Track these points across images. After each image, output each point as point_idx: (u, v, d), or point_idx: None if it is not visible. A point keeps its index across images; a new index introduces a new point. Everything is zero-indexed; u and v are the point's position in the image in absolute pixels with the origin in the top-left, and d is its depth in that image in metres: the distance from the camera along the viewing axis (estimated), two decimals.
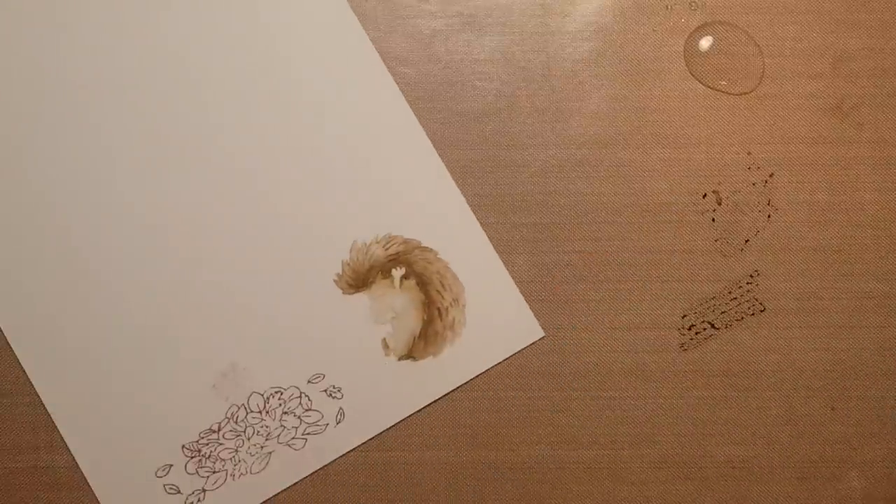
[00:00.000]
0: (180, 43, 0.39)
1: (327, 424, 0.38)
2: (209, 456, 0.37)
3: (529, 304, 0.39)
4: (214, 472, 0.37)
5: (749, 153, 0.40)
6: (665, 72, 0.40)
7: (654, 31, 0.40)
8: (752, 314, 0.39)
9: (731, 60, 0.40)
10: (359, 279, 0.38)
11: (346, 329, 0.38)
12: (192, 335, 0.38)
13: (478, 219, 0.39)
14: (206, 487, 0.37)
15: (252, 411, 0.37)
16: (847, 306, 0.39)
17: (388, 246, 0.39)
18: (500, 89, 0.40)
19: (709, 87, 0.40)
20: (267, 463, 0.37)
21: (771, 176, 0.40)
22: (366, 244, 0.39)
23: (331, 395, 0.38)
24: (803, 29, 0.40)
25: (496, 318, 0.38)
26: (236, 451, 0.37)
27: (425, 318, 0.38)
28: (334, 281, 0.38)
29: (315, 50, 0.39)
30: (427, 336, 0.38)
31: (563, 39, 0.40)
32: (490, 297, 0.38)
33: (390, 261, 0.39)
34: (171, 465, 0.37)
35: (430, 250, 0.39)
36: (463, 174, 0.39)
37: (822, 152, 0.40)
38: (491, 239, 0.39)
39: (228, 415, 0.37)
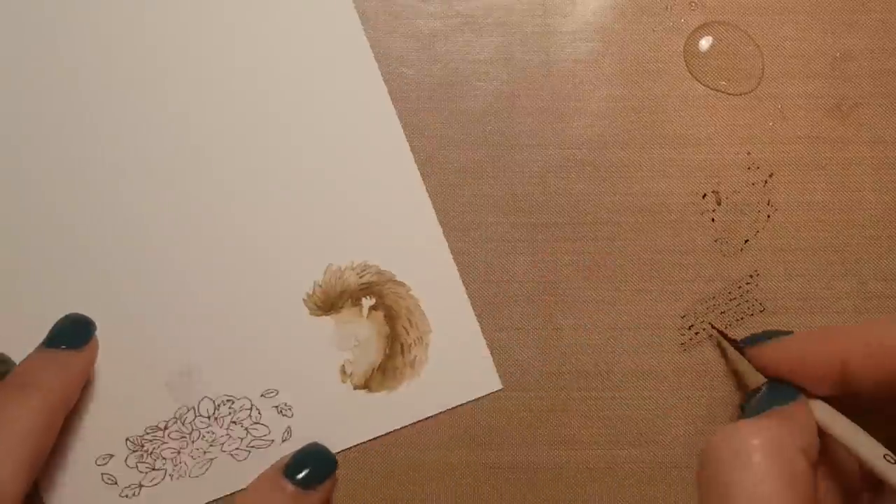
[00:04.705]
0: (177, 45, 0.39)
1: (273, 440, 0.37)
2: (151, 452, 0.37)
3: (530, 304, 0.39)
4: (154, 470, 0.37)
5: (749, 153, 0.40)
6: (665, 72, 0.40)
7: (653, 31, 0.40)
8: (752, 314, 0.39)
9: (731, 60, 0.40)
10: (328, 302, 0.38)
11: (308, 350, 0.38)
12: (153, 331, 0.37)
13: (477, 219, 0.39)
14: (143, 483, 0.37)
15: (201, 415, 0.37)
16: (847, 306, 0.39)
17: (362, 274, 0.38)
18: (500, 89, 0.40)
19: (709, 87, 0.40)
20: (207, 469, 0.37)
21: (770, 176, 0.40)
22: (340, 269, 0.38)
23: (281, 412, 0.37)
24: (803, 29, 0.40)
25: (457, 364, 0.38)
26: (179, 452, 0.37)
27: (388, 351, 0.38)
28: (303, 300, 0.38)
29: (316, 58, 0.39)
30: (386, 370, 0.38)
31: (563, 39, 0.40)
32: (455, 342, 0.38)
33: (362, 289, 0.38)
34: (113, 456, 0.37)
35: (403, 285, 0.38)
36: (463, 174, 0.39)
37: (822, 152, 0.40)
38: (491, 238, 0.39)
39: (177, 415, 0.37)
